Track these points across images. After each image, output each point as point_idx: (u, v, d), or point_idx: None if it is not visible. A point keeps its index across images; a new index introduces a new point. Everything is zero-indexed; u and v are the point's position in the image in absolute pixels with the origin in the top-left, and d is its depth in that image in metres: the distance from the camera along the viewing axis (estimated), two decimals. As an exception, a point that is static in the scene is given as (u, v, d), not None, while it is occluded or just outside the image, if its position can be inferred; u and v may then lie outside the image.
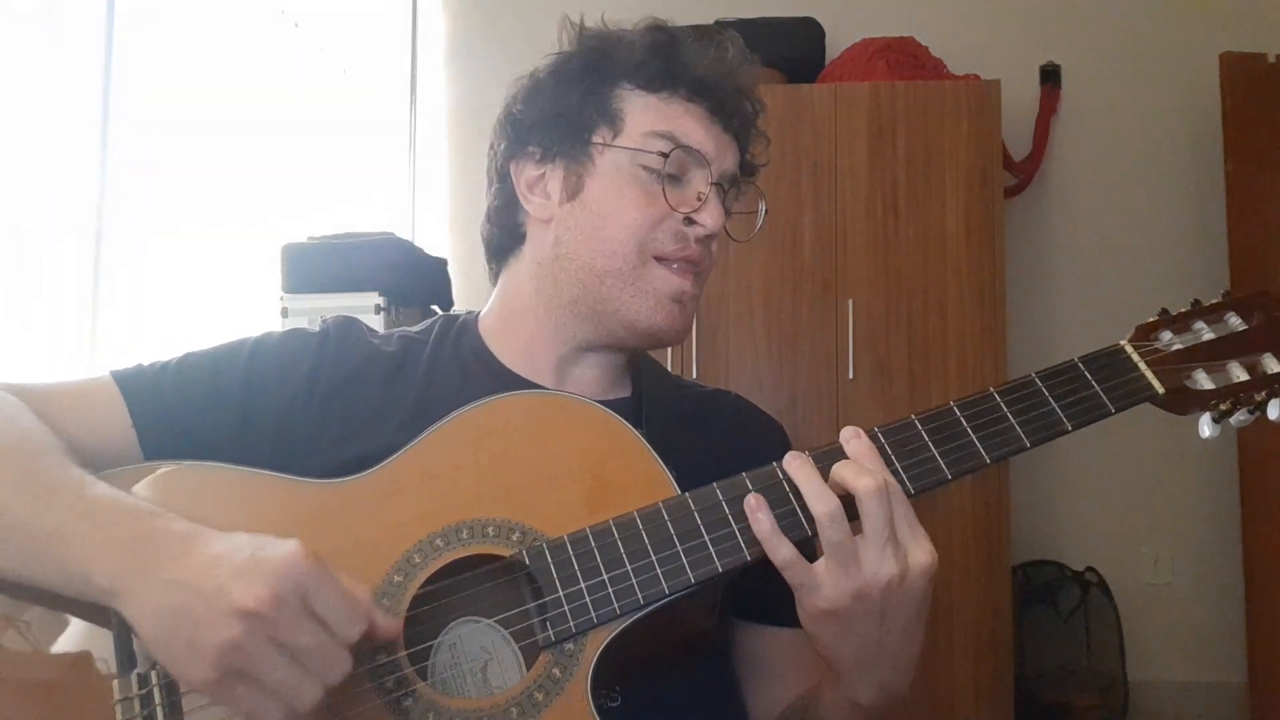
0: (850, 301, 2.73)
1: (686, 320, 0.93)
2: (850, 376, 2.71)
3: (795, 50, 3.00)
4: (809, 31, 3.06)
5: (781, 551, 0.73)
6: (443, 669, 0.77)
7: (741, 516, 0.77)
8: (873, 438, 0.78)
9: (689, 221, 0.91)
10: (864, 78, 2.86)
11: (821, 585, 0.72)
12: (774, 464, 0.79)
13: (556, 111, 0.94)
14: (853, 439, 0.77)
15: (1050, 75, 3.25)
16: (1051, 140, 3.26)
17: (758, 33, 2.98)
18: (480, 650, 0.78)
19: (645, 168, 0.91)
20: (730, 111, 0.95)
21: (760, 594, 0.94)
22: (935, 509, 2.64)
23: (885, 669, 0.77)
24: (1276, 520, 2.88)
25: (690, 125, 0.92)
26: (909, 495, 0.77)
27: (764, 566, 0.92)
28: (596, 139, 0.92)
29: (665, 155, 0.90)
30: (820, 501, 0.72)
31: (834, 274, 2.76)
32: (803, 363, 2.75)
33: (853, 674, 0.78)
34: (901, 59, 2.89)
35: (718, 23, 2.99)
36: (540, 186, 0.96)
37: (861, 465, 0.74)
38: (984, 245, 2.73)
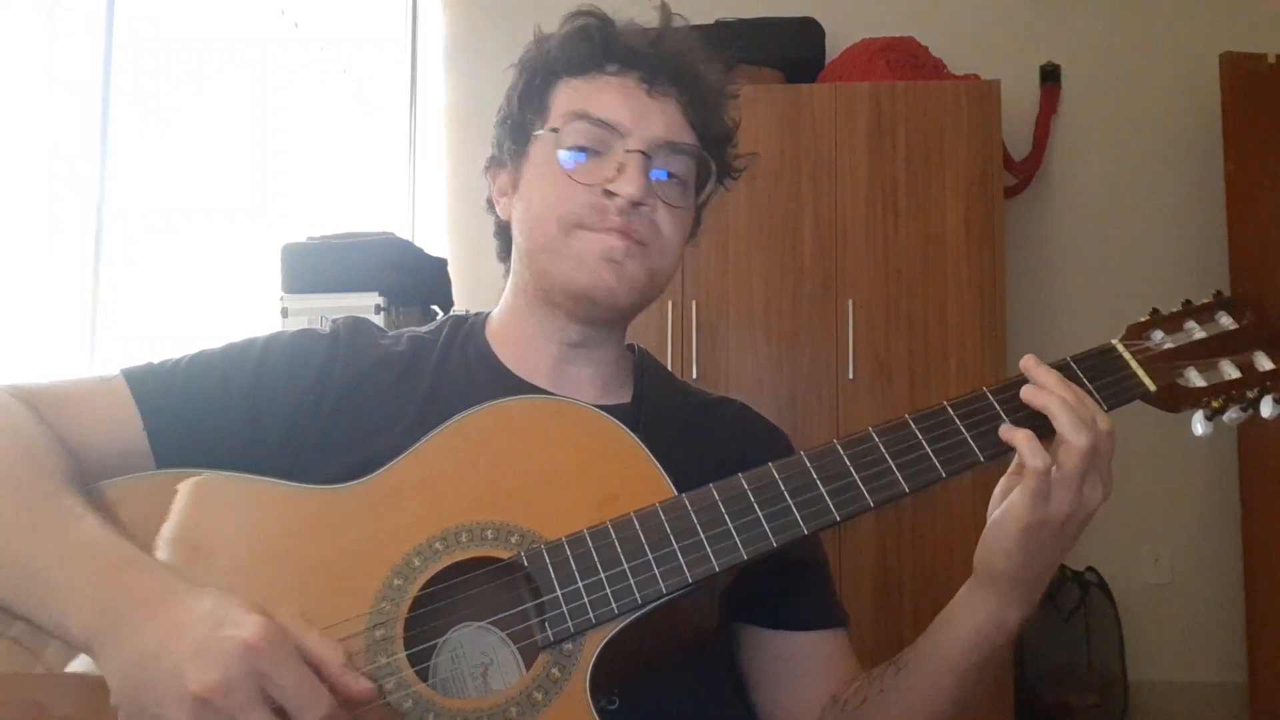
0: (850, 301, 2.73)
1: (624, 280, 0.91)
2: (850, 376, 2.71)
3: (795, 50, 3.01)
4: (809, 31, 3.06)
5: (1040, 459, 0.75)
6: (444, 673, 0.77)
7: (738, 515, 0.78)
8: (868, 437, 0.80)
9: (609, 194, 0.90)
10: (864, 78, 2.86)
11: (1052, 495, 0.75)
12: (769, 464, 0.80)
13: (506, 118, 0.99)
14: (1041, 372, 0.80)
15: (1050, 75, 3.25)
16: (1051, 140, 3.27)
17: (758, 33, 2.99)
18: (481, 654, 0.78)
19: (564, 147, 0.93)
20: (666, 78, 0.94)
21: (787, 602, 0.95)
22: (935, 508, 2.64)
23: (1045, 584, 0.81)
24: (1276, 520, 2.89)
25: (608, 98, 0.93)
26: (905, 494, 0.79)
27: (775, 573, 0.93)
28: (534, 132, 0.96)
29: (569, 130, 0.92)
30: (1083, 431, 0.75)
31: (834, 274, 2.76)
32: (803, 363, 2.75)
33: (1027, 591, 0.80)
34: (901, 59, 2.89)
35: (718, 23, 2.99)
36: (507, 189, 1.00)
37: (1081, 402, 0.77)
38: (984, 245, 2.73)
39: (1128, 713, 2.95)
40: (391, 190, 3.24)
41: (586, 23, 0.96)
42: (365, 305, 2.26)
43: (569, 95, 0.94)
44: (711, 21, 2.99)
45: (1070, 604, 2.96)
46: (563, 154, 0.92)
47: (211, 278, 2.32)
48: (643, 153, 0.91)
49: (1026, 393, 0.79)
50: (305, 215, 2.64)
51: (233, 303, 2.38)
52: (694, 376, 2.72)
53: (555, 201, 0.92)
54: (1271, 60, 3.01)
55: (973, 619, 0.82)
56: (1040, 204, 3.27)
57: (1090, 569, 3.01)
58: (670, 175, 0.93)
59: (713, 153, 0.98)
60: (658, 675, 0.83)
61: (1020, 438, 0.76)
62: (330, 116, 2.91)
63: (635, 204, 0.90)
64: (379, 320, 2.26)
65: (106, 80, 1.98)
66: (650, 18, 0.98)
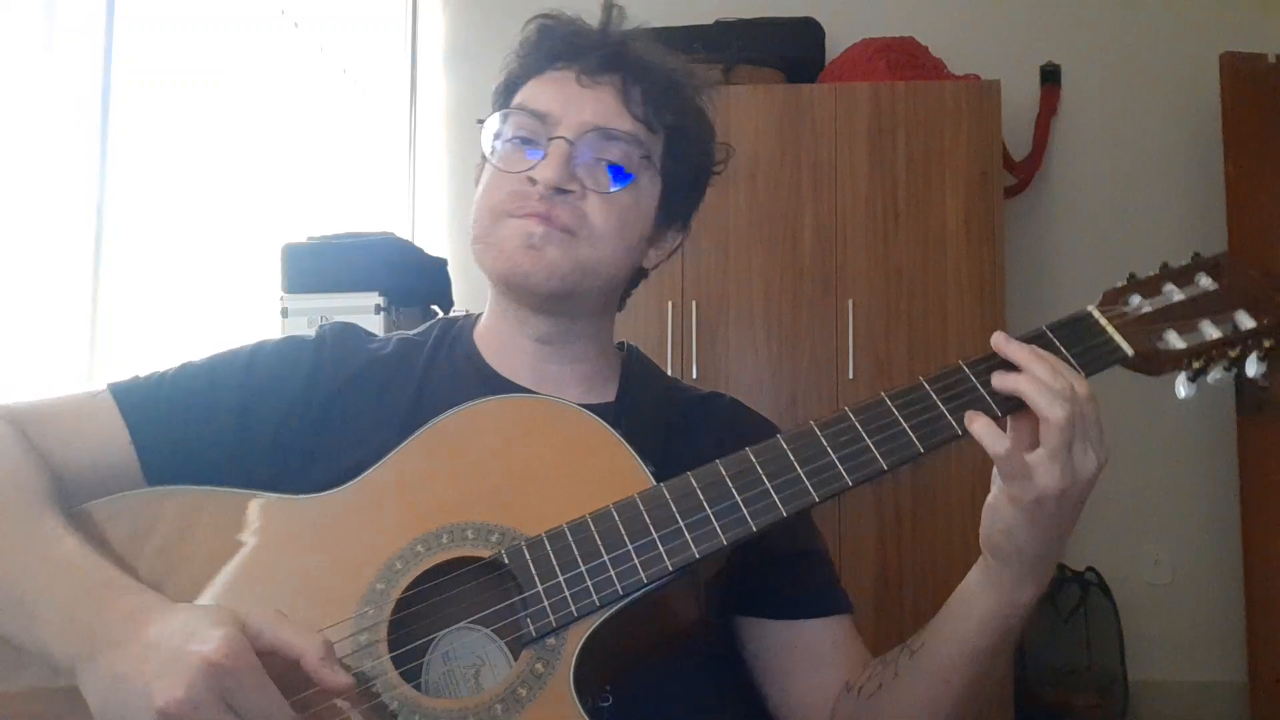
0: (850, 301, 2.73)
1: (541, 265, 0.89)
2: (850, 376, 2.71)
3: (795, 50, 3.01)
4: (809, 31, 3.06)
5: (1000, 444, 0.74)
6: (436, 674, 0.77)
7: (716, 501, 0.77)
8: (844, 417, 0.79)
9: (532, 181, 0.90)
10: (864, 78, 2.86)
11: (1035, 474, 0.73)
12: (746, 449, 0.79)
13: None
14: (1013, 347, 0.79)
15: (1050, 75, 3.25)
16: (1051, 140, 3.27)
17: (758, 33, 2.99)
18: (473, 654, 0.78)
19: (501, 139, 0.94)
20: (600, 66, 0.93)
21: (788, 591, 0.94)
22: (935, 503, 2.64)
23: (1056, 559, 0.79)
24: (1276, 520, 2.89)
25: (541, 90, 0.94)
26: (884, 471, 0.78)
27: (775, 563, 0.92)
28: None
29: (507, 123, 0.94)
30: (1058, 405, 0.74)
31: (834, 274, 2.76)
32: (803, 363, 2.75)
33: (1037, 568, 0.78)
34: (901, 59, 2.89)
35: (718, 23, 3.00)
36: None
37: (1056, 372, 0.76)
38: (984, 245, 2.73)
39: (1128, 713, 2.95)
40: (391, 190, 3.25)
41: (530, 28, 0.97)
42: (365, 305, 2.27)
43: (519, 95, 0.96)
44: (711, 21, 2.99)
45: (1070, 604, 2.96)
46: (497, 145, 0.94)
47: (211, 278, 2.32)
48: (566, 139, 0.90)
49: (997, 380, 0.78)
50: (305, 215, 2.64)
51: (233, 303, 2.38)
52: (694, 376, 2.72)
53: (488, 192, 0.93)
54: (1271, 60, 3.01)
55: (985, 600, 0.81)
56: (1040, 204, 3.27)
57: (1090, 569, 3.01)
58: (603, 161, 0.91)
59: (671, 141, 0.95)
60: (650, 670, 0.82)
61: (978, 428, 0.75)
62: (330, 116, 2.91)
63: (558, 190, 0.89)
64: (379, 320, 2.26)
65: (106, 80, 1.98)
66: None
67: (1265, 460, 2.91)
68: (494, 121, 0.95)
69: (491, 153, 0.95)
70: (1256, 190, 2.97)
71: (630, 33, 0.96)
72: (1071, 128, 3.28)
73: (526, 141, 0.92)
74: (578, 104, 0.92)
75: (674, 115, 0.95)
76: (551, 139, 0.90)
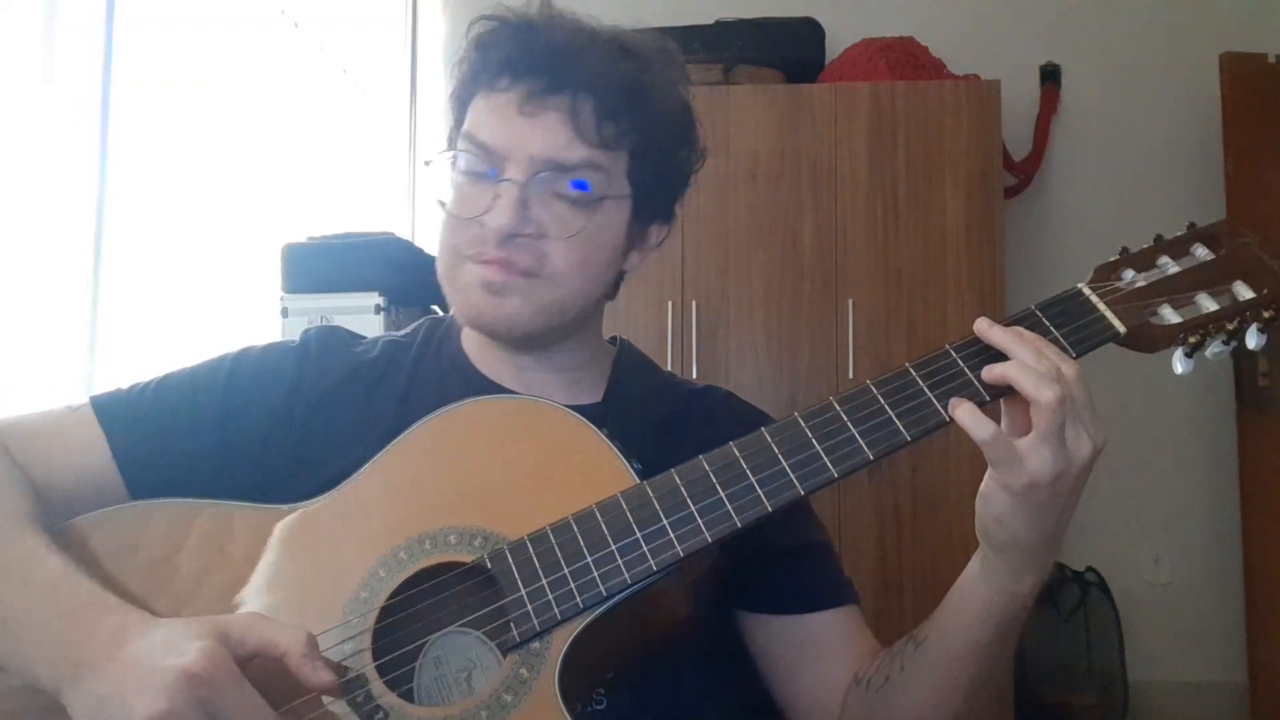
0: (850, 301, 2.73)
1: (504, 314, 0.87)
2: (850, 376, 2.71)
3: (795, 50, 3.00)
4: (809, 31, 3.06)
5: (984, 430, 0.72)
6: (428, 681, 0.76)
7: (700, 498, 0.76)
8: (829, 407, 0.78)
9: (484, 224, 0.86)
10: (864, 78, 2.86)
11: (1025, 460, 0.71)
12: (730, 443, 0.78)
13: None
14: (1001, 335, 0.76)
15: (1050, 75, 3.25)
16: (1051, 140, 3.26)
17: (758, 33, 2.98)
18: (465, 659, 0.77)
19: (457, 172, 0.90)
20: (548, 88, 0.86)
21: (792, 585, 0.93)
22: (936, 505, 2.64)
23: (1055, 548, 0.77)
24: (1276, 520, 2.89)
25: (484, 118, 0.88)
26: (870, 461, 0.76)
27: (777, 558, 0.92)
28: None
29: (460, 156, 0.90)
30: (1045, 387, 0.71)
31: (834, 274, 2.76)
32: (803, 363, 2.74)
33: (1035, 557, 0.76)
34: (901, 59, 2.89)
35: (718, 23, 2.99)
36: None
37: (1040, 354, 0.74)
38: (984, 245, 2.73)
39: (1128, 713, 2.95)
40: (391, 190, 3.24)
41: (483, 31, 0.90)
42: (365, 305, 2.27)
43: (471, 116, 0.90)
44: (711, 21, 2.99)
45: (1070, 604, 2.96)
46: (454, 180, 0.90)
47: (211, 278, 2.32)
48: (516, 181, 0.85)
49: (984, 371, 0.76)
50: (305, 215, 2.64)
51: (233, 303, 2.38)
52: (694, 376, 2.72)
53: (447, 233, 0.90)
54: (1271, 60, 3.01)
55: (984, 591, 0.79)
56: (1040, 204, 3.27)
57: (1090, 569, 3.01)
58: (560, 194, 0.87)
59: (636, 152, 0.90)
60: (644, 670, 0.81)
61: (962, 414, 0.73)
62: (330, 116, 2.91)
63: (511, 235, 0.85)
64: (379, 320, 2.26)
65: (106, 80, 1.98)
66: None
67: (1265, 460, 2.91)
68: (444, 159, 0.91)
69: (451, 182, 0.91)
70: (1256, 190, 2.96)
71: (578, 36, 0.88)
72: (1071, 128, 3.28)
73: (479, 176, 0.88)
74: (524, 138, 0.86)
75: (636, 126, 0.89)
76: (501, 180, 0.86)
